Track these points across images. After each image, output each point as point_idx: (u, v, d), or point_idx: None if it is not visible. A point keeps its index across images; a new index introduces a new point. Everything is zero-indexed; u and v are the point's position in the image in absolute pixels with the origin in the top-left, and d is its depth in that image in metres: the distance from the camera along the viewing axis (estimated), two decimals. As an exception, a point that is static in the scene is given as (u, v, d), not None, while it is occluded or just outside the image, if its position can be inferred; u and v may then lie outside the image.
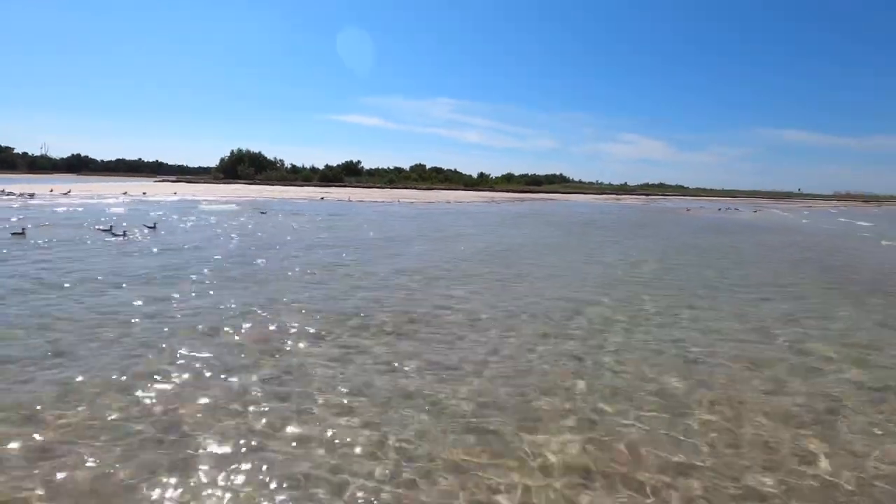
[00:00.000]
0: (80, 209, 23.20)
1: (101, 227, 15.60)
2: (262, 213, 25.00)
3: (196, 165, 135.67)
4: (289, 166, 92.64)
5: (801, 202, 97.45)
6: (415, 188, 75.66)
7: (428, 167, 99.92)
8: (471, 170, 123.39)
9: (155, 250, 12.07)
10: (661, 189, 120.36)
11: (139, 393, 4.40)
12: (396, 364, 5.30)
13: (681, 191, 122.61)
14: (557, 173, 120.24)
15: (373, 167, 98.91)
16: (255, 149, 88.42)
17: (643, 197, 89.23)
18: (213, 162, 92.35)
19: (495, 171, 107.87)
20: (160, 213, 23.01)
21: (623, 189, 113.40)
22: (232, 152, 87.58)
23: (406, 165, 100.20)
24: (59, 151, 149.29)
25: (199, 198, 36.59)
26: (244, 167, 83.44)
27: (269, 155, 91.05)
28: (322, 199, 42.03)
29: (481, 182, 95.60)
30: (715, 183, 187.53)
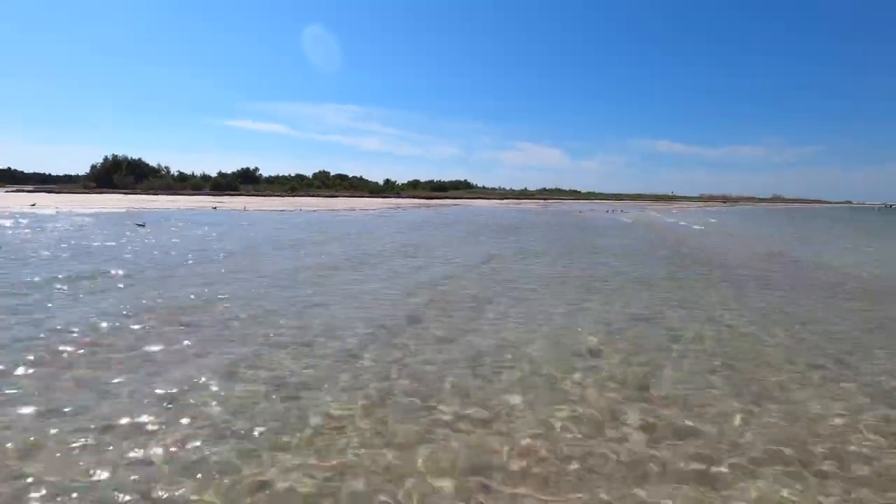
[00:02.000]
0: None
1: None
2: (140, 225, 22.53)
3: (62, 173, 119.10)
4: (176, 174, 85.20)
5: (676, 204, 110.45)
6: (318, 195, 73.52)
7: (332, 174, 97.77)
8: (376, 177, 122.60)
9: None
10: (558, 193, 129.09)
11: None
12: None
13: (575, 195, 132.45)
14: (462, 179, 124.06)
15: (272, 175, 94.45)
16: (134, 155, 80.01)
17: (541, 201, 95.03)
18: (83, 170, 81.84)
19: (400, 179, 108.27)
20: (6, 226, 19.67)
21: (523, 194, 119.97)
22: (106, 158, 78.54)
23: (309, 173, 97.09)
24: None
25: (62, 210, 32.05)
26: (121, 175, 75.14)
27: (152, 162, 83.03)
28: (214, 208, 39.10)
29: (387, 189, 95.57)
30: (604, 187, 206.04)
